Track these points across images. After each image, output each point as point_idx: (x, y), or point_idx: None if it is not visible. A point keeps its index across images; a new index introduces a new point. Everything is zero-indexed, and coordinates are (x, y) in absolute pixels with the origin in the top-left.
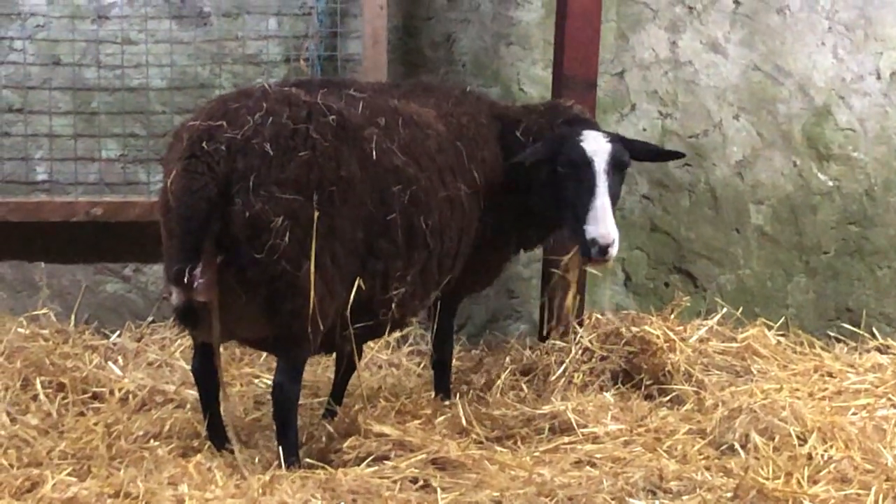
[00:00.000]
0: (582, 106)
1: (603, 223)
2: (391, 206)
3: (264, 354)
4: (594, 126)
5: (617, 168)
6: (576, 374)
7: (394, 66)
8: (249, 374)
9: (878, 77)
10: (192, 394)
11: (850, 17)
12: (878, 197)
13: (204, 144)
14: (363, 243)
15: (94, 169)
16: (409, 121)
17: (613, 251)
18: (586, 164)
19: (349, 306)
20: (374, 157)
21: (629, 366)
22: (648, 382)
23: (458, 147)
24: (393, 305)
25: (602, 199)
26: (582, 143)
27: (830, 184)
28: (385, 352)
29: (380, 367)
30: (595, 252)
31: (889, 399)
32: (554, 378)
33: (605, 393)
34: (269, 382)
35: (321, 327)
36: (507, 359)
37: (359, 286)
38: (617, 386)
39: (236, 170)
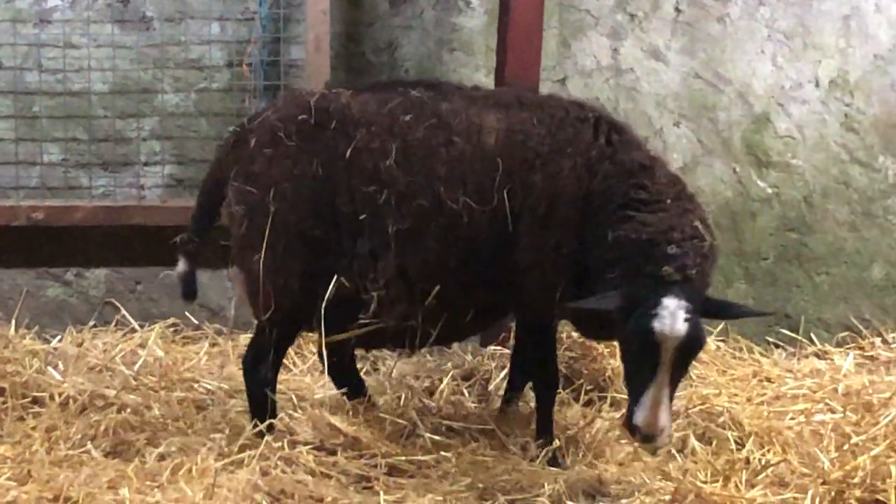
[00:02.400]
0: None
1: (652, 413)
2: (363, 207)
3: None
4: (680, 286)
5: (690, 352)
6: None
7: (337, 71)
8: None
9: (817, 85)
10: (133, 398)
11: (789, 26)
12: (816, 204)
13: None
14: (334, 241)
15: (35, 173)
16: (441, 126)
17: (660, 442)
18: (654, 345)
19: (325, 303)
20: (347, 157)
21: (569, 371)
22: (588, 388)
23: (496, 162)
24: (371, 308)
25: (659, 389)
26: (655, 322)
27: (769, 191)
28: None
29: (321, 371)
30: (638, 437)
31: (826, 404)
32: (495, 384)
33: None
34: None
35: (275, 316)
36: (450, 364)
37: (336, 284)
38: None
39: (230, 161)
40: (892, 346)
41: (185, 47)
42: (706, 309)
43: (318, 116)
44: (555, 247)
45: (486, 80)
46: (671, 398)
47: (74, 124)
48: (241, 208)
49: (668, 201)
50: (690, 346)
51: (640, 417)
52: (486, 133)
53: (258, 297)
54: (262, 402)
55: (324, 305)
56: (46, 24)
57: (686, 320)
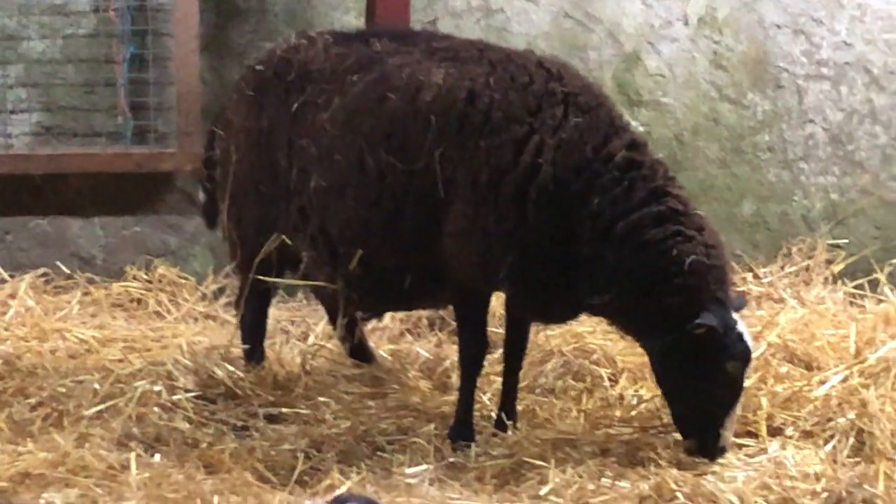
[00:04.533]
0: None
1: (731, 431)
2: (296, 161)
3: None
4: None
5: None
6: (396, 323)
7: (207, 15)
8: None
9: (686, 23)
10: (4, 348)
11: None
12: (686, 141)
13: None
14: (278, 195)
15: None
16: (384, 80)
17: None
18: (746, 364)
19: (258, 259)
20: (294, 108)
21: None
22: None
23: (429, 119)
24: (301, 265)
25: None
26: (747, 342)
27: (641, 129)
28: (202, 304)
29: (196, 319)
30: (718, 455)
31: None
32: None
33: (420, 340)
34: None
35: (240, 263)
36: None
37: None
38: (434, 333)
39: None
40: (764, 280)
41: None
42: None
43: (279, 68)
44: (496, 221)
45: (356, 23)
46: None
47: None
48: (216, 153)
49: (695, 211)
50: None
51: (728, 438)
52: (424, 90)
53: (228, 239)
54: (246, 337)
55: (257, 261)
56: None
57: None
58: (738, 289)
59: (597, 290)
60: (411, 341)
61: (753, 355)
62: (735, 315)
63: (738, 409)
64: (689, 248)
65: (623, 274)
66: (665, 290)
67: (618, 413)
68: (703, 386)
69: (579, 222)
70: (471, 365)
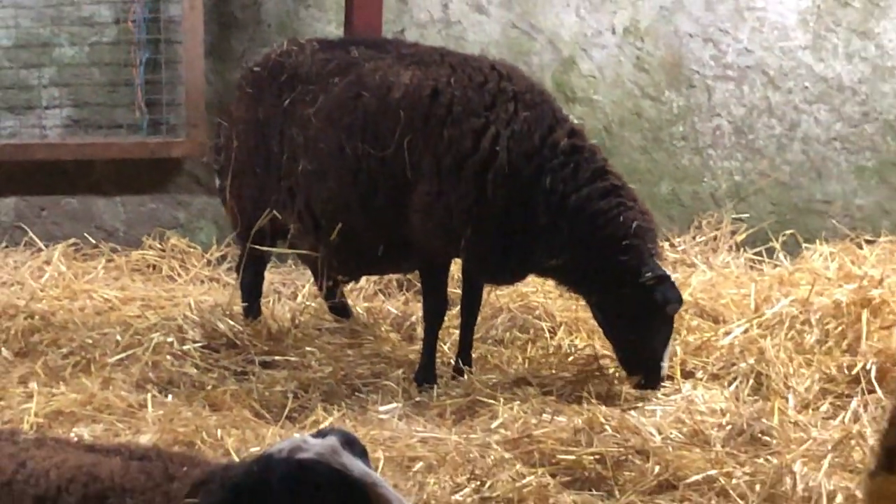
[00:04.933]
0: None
1: (668, 363)
2: (287, 148)
3: None
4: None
5: None
6: (370, 284)
7: (210, 26)
8: None
9: (613, 32)
10: (40, 306)
11: None
12: (614, 132)
13: None
14: (271, 177)
15: None
16: (360, 81)
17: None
18: (680, 306)
19: (254, 230)
20: (286, 104)
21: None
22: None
23: (398, 114)
24: (290, 236)
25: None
26: (677, 294)
27: (576, 122)
28: (207, 268)
29: (202, 281)
30: (658, 385)
31: None
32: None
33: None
34: None
35: (239, 233)
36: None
37: (269, 215)
38: (403, 293)
39: None
40: (678, 248)
41: (78, 7)
42: None
43: (273, 69)
44: (460, 198)
45: (337, 32)
46: None
47: None
48: (219, 141)
49: (626, 183)
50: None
51: (666, 368)
52: (395, 89)
53: (230, 215)
54: (244, 296)
55: (253, 230)
56: None
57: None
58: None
59: (553, 254)
60: (383, 300)
61: None
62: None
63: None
64: (632, 215)
65: (578, 239)
66: (616, 250)
67: (556, 360)
68: (647, 328)
69: (533, 199)
70: (433, 320)
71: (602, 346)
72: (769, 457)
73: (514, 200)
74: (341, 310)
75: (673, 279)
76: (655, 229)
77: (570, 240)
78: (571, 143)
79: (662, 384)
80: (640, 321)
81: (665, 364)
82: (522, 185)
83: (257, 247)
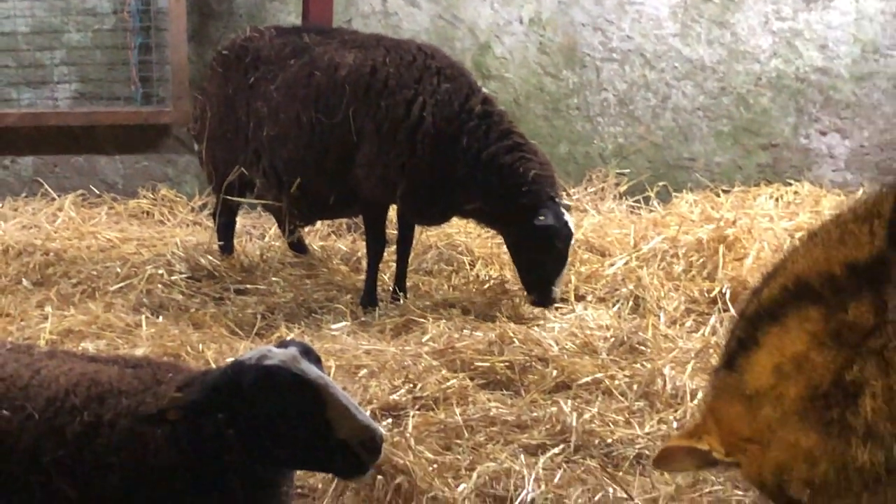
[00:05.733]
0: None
1: (560, 287)
2: (253, 117)
3: None
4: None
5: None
6: (324, 227)
7: (191, 16)
8: None
9: (521, 22)
10: (54, 245)
11: None
12: (522, 103)
13: None
14: (239, 141)
15: None
16: (312, 62)
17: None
18: (566, 242)
19: (225, 183)
20: (251, 81)
21: None
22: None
23: (344, 88)
24: (256, 189)
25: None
26: (570, 227)
27: (490, 93)
28: (191, 215)
29: (187, 225)
30: (549, 303)
31: None
32: (308, 229)
33: (341, 239)
34: None
35: (214, 187)
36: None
37: (238, 172)
38: (351, 234)
39: None
40: (574, 198)
41: (83, 0)
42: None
43: (237, 52)
44: (394, 156)
45: (297, 21)
46: None
47: (5, 56)
48: (196, 112)
49: (528, 140)
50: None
51: (558, 291)
52: (341, 68)
53: (206, 172)
54: (220, 237)
55: (226, 184)
56: None
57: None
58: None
59: (470, 200)
60: (335, 239)
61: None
62: (563, 210)
63: (565, 273)
64: (531, 166)
65: (488, 187)
66: (518, 195)
67: (474, 287)
68: (541, 257)
69: (454, 155)
70: (375, 255)
71: (511, 277)
72: (644, 362)
73: (438, 156)
74: (300, 247)
75: (566, 218)
76: (553, 176)
77: (482, 187)
78: (484, 108)
79: (555, 303)
80: (537, 252)
81: (556, 288)
82: (445, 143)
83: (229, 198)
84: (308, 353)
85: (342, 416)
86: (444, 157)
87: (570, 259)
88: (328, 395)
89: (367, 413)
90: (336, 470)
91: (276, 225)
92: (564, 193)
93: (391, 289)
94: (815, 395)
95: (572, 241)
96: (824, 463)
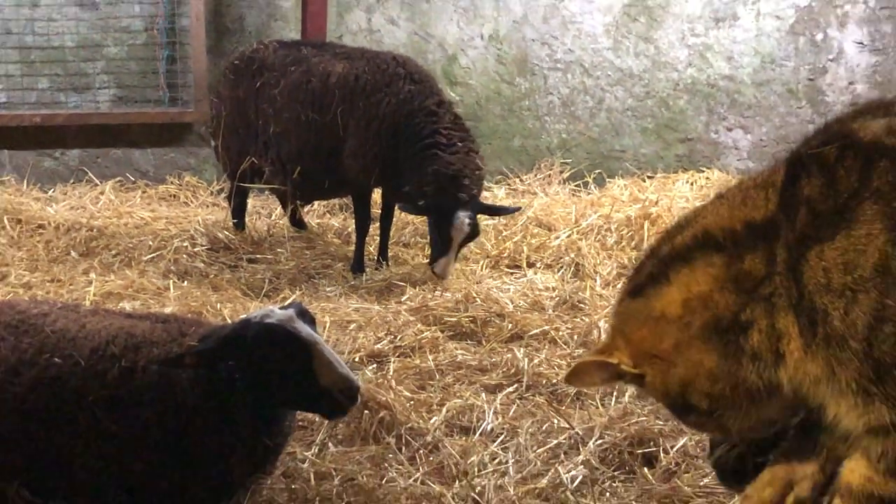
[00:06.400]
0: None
1: (447, 264)
2: (261, 117)
3: None
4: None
5: (471, 239)
6: (320, 206)
7: (209, 33)
8: None
9: (482, 38)
10: (97, 223)
11: (466, 4)
12: (483, 105)
13: None
14: (249, 136)
15: (33, 97)
16: (309, 71)
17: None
18: (461, 231)
19: (239, 171)
20: (258, 86)
21: None
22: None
23: (334, 92)
24: (265, 176)
25: (452, 256)
26: (455, 224)
27: (457, 98)
28: (210, 198)
29: (207, 206)
30: (444, 275)
31: None
32: (307, 208)
33: (335, 216)
34: None
35: (229, 175)
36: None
37: (249, 161)
38: (342, 212)
39: None
40: (525, 183)
41: (120, 20)
42: (482, 211)
43: (246, 62)
44: (370, 146)
45: (296, 35)
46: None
47: (55, 66)
48: (213, 111)
49: (459, 144)
50: (473, 236)
51: (439, 267)
52: (332, 76)
53: (222, 162)
54: (235, 215)
55: (239, 172)
56: (36, 6)
57: (469, 224)
58: (512, 187)
59: (406, 184)
60: (329, 217)
61: (520, 223)
62: (467, 208)
63: (458, 251)
64: (437, 162)
65: (416, 176)
66: (431, 188)
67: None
68: (441, 236)
69: (400, 145)
70: (362, 230)
71: (474, 248)
72: (583, 317)
73: (392, 147)
74: (300, 224)
75: (465, 214)
76: (459, 176)
77: (413, 175)
78: (434, 108)
79: (441, 278)
80: (439, 234)
81: (437, 266)
82: (399, 136)
83: (242, 184)
84: (304, 314)
85: (326, 368)
86: (396, 148)
87: (518, 235)
88: (315, 350)
89: (352, 362)
90: (320, 411)
91: (280, 205)
92: (518, 180)
93: (376, 258)
94: (718, 327)
95: (461, 235)
96: (721, 380)
